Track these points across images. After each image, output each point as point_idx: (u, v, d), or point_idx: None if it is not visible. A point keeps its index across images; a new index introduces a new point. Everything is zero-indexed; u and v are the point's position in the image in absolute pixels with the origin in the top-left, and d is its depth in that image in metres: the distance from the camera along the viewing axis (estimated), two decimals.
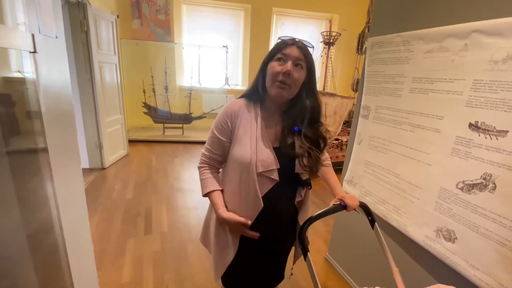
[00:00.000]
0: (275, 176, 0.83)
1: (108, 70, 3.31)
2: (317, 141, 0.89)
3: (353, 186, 1.61)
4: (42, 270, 0.72)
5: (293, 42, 0.82)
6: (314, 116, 0.88)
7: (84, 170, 3.22)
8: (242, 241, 0.90)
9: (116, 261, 1.78)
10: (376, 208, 1.43)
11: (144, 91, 4.98)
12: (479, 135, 0.95)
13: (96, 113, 3.12)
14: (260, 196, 0.83)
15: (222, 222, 0.89)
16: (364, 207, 0.94)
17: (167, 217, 2.34)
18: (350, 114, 4.37)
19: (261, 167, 0.81)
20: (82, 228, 1.02)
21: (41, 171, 0.69)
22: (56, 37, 0.84)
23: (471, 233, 0.99)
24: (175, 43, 4.99)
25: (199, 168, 0.95)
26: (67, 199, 0.88)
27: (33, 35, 0.64)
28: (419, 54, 1.17)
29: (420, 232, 1.18)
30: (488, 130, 0.93)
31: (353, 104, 4.93)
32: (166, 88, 5.17)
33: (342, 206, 0.89)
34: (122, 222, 2.22)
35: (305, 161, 0.85)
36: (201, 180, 0.94)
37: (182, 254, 1.88)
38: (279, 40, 0.86)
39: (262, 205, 0.83)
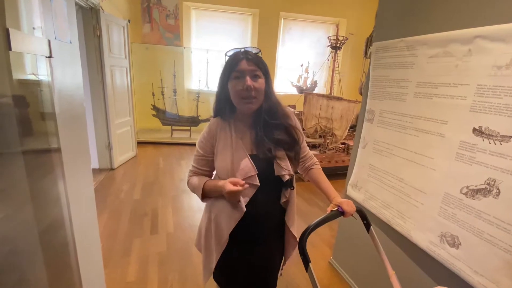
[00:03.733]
0: (256, 181, 0.86)
1: (119, 73, 3.40)
2: (286, 131, 0.91)
3: (358, 190, 1.61)
4: (52, 266, 0.75)
5: (243, 56, 0.84)
6: (270, 117, 0.89)
7: (94, 170, 3.30)
8: (230, 243, 0.93)
9: (122, 259, 1.81)
10: (380, 212, 1.43)
11: (153, 94, 5.08)
12: (483, 140, 0.95)
13: (107, 115, 3.20)
14: (242, 200, 0.86)
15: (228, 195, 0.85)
16: (359, 211, 0.95)
17: (173, 218, 2.38)
18: (358, 118, 4.34)
19: (240, 175, 0.85)
20: (91, 227, 1.06)
21: (54, 170, 0.72)
22: (70, 43, 0.88)
23: (475, 239, 0.98)
24: (184, 47, 5.09)
25: (187, 182, 1.00)
26: (77, 198, 0.91)
27: (49, 41, 0.68)
28: (423, 59, 1.17)
29: (424, 237, 1.18)
30: (492, 135, 0.92)
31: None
32: (175, 91, 5.25)
33: (340, 213, 0.89)
34: (129, 222, 2.26)
35: (282, 162, 0.87)
36: (191, 185, 0.97)
37: (187, 254, 1.90)
38: (227, 57, 0.88)
39: (244, 209, 0.86)
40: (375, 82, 1.46)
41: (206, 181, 0.93)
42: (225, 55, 0.90)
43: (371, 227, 0.96)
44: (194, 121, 5.23)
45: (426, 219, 1.17)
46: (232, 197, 0.82)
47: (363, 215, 0.95)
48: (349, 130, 3.61)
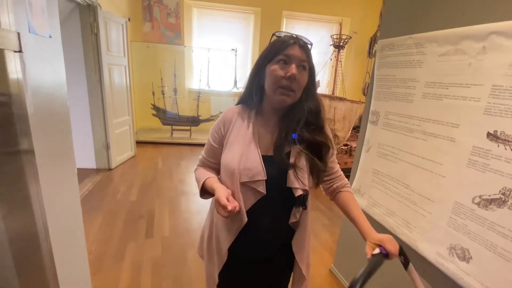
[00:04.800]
0: (262, 188, 0.73)
1: (117, 72, 3.35)
2: (316, 144, 0.77)
3: (361, 196, 1.53)
4: (24, 279, 0.69)
5: (294, 41, 0.72)
6: (312, 119, 0.77)
7: (90, 170, 3.25)
8: (230, 259, 0.83)
9: (115, 264, 1.75)
10: (384, 220, 1.35)
11: (153, 93, 5.03)
12: (498, 146, 0.87)
13: (104, 114, 3.14)
14: (244, 208, 0.73)
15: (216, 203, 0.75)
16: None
17: (169, 221, 2.31)
18: (361, 119, 4.25)
19: (245, 177, 0.72)
20: (75, 234, 0.99)
21: (24, 174, 0.66)
22: (50, 37, 0.82)
23: (488, 253, 0.91)
24: (185, 46, 5.03)
25: (195, 170, 0.90)
26: (57, 203, 0.85)
27: (18, 34, 0.61)
28: (433, 57, 1.09)
29: (432, 249, 1.10)
30: (508, 141, 0.84)
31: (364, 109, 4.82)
32: (175, 91, 5.20)
33: (384, 255, 0.67)
34: (124, 225, 2.20)
35: (299, 173, 0.74)
36: (195, 176, 0.88)
37: (182, 260, 1.84)
38: (276, 38, 0.76)
39: (246, 219, 0.74)
40: (380, 82, 1.39)
41: (207, 179, 0.80)
42: (274, 34, 0.78)
43: (410, 264, 0.71)
44: (194, 121, 5.17)
45: (434, 230, 1.09)
46: (217, 208, 0.70)
47: (401, 250, 0.72)
48: (352, 131, 3.53)
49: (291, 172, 0.74)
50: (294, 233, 0.82)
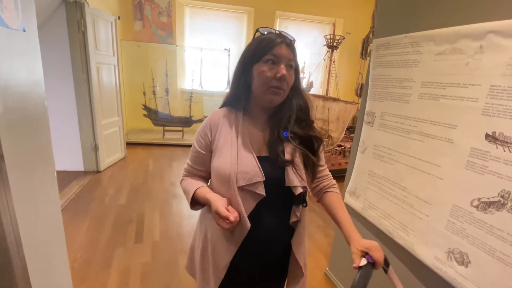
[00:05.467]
0: (261, 190, 0.70)
1: (106, 71, 3.25)
2: (309, 139, 0.77)
3: (356, 198, 1.50)
4: None
5: (282, 40, 0.70)
6: (302, 115, 0.77)
7: (78, 173, 3.14)
8: (225, 278, 0.78)
9: (102, 271, 1.68)
10: (380, 223, 1.32)
11: (144, 93, 4.93)
12: (497, 147, 0.84)
13: (92, 115, 3.05)
14: (245, 214, 0.70)
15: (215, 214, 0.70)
16: None
17: (160, 224, 2.24)
18: (354, 119, 4.26)
19: (243, 180, 0.69)
20: (55, 244, 0.93)
21: None
22: (24, 31, 0.75)
23: (487, 257, 0.88)
24: (177, 46, 4.95)
25: (181, 181, 0.85)
26: (32, 212, 0.78)
27: None
28: (429, 57, 1.07)
29: (430, 253, 1.07)
30: (507, 142, 0.82)
31: (357, 110, 4.83)
32: (167, 91, 5.11)
33: (372, 265, 0.65)
34: (113, 229, 2.12)
35: (298, 169, 0.72)
36: (183, 188, 0.83)
37: (173, 266, 1.77)
38: (261, 36, 0.73)
39: (249, 225, 0.70)
40: (376, 82, 1.36)
41: (197, 189, 0.77)
42: (257, 31, 0.75)
43: (390, 267, 0.70)
44: (187, 122, 5.09)
45: (431, 233, 1.06)
46: (217, 220, 0.67)
47: (385, 258, 0.70)
48: (346, 131, 3.52)
49: (289, 169, 0.72)
50: (292, 232, 0.79)
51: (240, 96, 0.77)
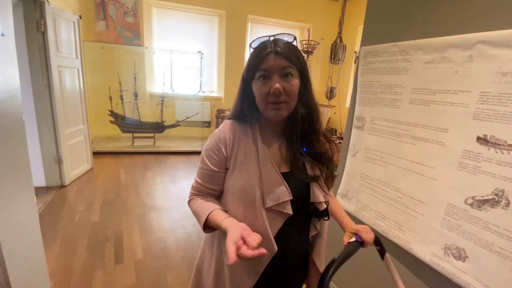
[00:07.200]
0: (289, 210, 0.67)
1: (69, 75, 2.96)
2: (319, 155, 0.74)
3: (348, 200, 1.54)
4: None
5: (269, 50, 0.65)
6: (307, 127, 0.73)
7: (39, 188, 2.81)
8: None
9: None
10: (375, 223, 1.36)
11: (110, 98, 4.59)
12: (489, 149, 0.91)
13: (55, 124, 2.74)
14: (272, 237, 0.66)
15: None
16: (375, 237, 0.81)
17: (141, 241, 2.08)
18: (328, 121, 4.42)
19: (270, 201, 0.65)
20: (34, 266, 0.80)
21: None
22: (3, 35, 0.64)
23: (484, 252, 0.94)
24: (145, 47, 4.70)
25: (189, 201, 0.77)
26: (7, 231, 0.66)
27: None
28: (419, 64, 1.13)
29: (427, 250, 1.12)
30: (499, 144, 0.89)
31: (334, 113, 5.02)
32: (136, 95, 4.82)
33: (359, 243, 0.74)
34: (88, 251, 1.91)
35: (322, 185, 0.71)
36: (193, 209, 0.75)
37: (161, 284, 1.65)
38: (252, 50, 0.69)
39: (276, 248, 0.66)
40: (365, 87, 1.40)
41: (210, 213, 0.69)
42: (250, 46, 0.70)
43: (386, 253, 0.82)
44: (158, 127, 4.84)
45: (427, 231, 1.12)
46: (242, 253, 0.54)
47: (378, 240, 0.82)
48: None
49: (314, 185, 0.70)
50: (311, 246, 0.80)
51: (246, 112, 0.73)
